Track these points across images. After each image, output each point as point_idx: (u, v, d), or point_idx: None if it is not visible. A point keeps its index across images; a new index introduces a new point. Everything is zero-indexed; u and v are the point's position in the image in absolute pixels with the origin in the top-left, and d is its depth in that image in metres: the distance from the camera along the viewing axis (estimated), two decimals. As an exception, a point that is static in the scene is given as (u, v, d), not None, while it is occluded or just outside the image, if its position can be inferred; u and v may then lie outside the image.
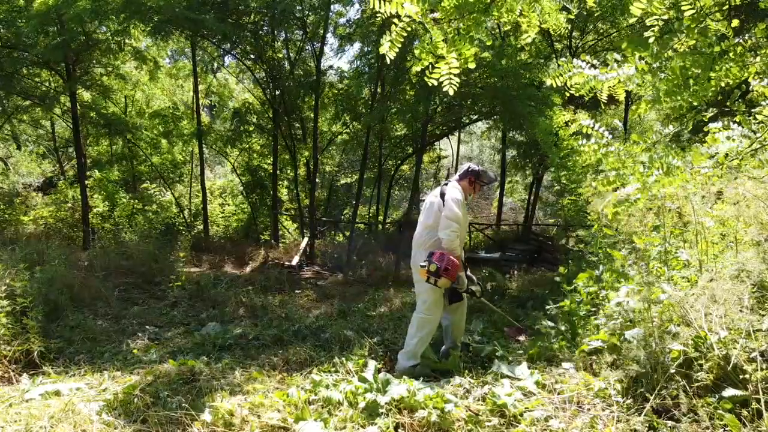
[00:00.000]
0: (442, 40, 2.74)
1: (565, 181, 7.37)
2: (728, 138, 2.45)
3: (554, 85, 2.89)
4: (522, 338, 4.64)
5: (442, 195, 3.85)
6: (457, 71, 2.86)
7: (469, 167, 4.01)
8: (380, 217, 15.93)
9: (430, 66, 2.89)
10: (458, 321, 4.12)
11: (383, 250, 12.26)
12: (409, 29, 2.72)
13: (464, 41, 2.68)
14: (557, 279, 5.10)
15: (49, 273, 5.21)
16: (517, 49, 10.35)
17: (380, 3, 2.49)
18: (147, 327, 5.20)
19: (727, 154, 2.43)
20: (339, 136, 15.30)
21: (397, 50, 2.85)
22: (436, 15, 2.69)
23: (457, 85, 2.90)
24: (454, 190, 3.86)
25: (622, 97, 2.65)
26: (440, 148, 19.61)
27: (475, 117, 13.96)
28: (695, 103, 2.43)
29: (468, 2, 2.58)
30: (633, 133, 2.86)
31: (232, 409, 2.91)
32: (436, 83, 2.92)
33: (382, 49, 2.82)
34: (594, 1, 7.10)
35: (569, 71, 2.65)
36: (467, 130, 21.43)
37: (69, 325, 4.81)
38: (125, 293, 6.45)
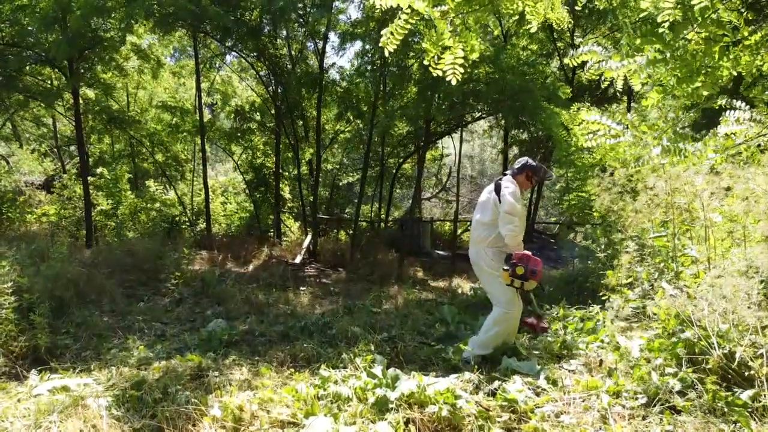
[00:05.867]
0: (449, 32, 2.73)
1: (570, 176, 7.35)
2: (737, 120, 2.43)
3: (571, 65, 2.88)
4: (545, 326, 3.95)
5: (497, 190, 3.78)
6: (461, 62, 2.88)
7: (526, 162, 3.94)
8: (383, 215, 15.90)
9: (436, 57, 2.90)
10: None
11: (386, 248, 12.25)
12: (412, 21, 2.71)
13: (472, 32, 2.68)
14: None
15: (55, 269, 5.20)
16: (520, 48, 10.32)
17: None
18: (153, 323, 5.19)
19: (734, 134, 2.41)
20: (341, 135, 15.28)
21: (396, 43, 2.85)
22: (443, 8, 2.68)
23: (461, 75, 2.92)
24: (510, 184, 3.78)
25: (638, 86, 2.62)
26: (443, 146, 19.57)
27: (478, 115, 13.92)
28: (706, 93, 2.41)
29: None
30: (639, 120, 2.85)
31: (241, 405, 2.90)
32: (441, 74, 2.94)
33: (382, 42, 2.82)
34: None
35: (584, 49, 2.63)
36: (469, 129, 21.37)
37: (75, 322, 4.80)
38: (130, 290, 6.43)
